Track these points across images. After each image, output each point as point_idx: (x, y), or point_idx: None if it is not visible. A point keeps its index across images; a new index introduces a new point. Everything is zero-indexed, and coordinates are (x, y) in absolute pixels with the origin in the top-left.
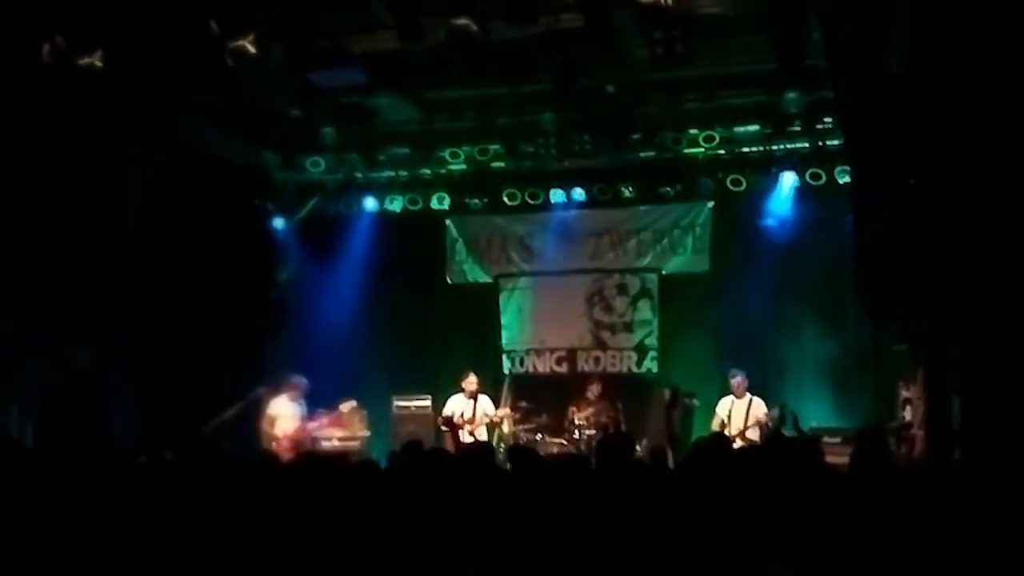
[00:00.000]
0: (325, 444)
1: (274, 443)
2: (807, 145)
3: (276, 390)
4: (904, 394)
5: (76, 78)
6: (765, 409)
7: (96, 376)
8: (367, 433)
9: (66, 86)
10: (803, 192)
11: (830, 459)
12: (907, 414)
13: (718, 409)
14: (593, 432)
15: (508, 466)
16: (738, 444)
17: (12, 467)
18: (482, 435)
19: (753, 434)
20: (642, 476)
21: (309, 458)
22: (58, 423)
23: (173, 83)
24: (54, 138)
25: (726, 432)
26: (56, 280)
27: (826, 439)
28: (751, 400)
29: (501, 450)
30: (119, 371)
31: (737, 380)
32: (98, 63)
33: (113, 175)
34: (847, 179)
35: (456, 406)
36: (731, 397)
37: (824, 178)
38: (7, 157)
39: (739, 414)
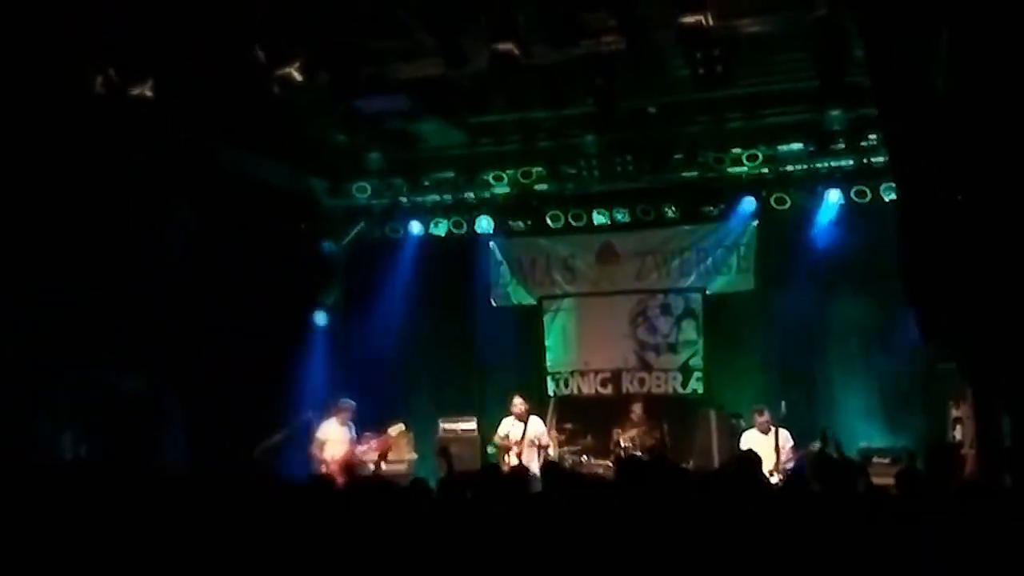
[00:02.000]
0: (373, 467)
1: (323, 467)
2: (851, 162)
3: (325, 414)
4: (954, 413)
5: (127, 108)
6: (792, 441)
7: (149, 401)
8: (415, 456)
9: (118, 116)
10: (848, 209)
11: (880, 480)
12: (957, 433)
13: (743, 444)
14: (638, 454)
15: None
16: (775, 479)
17: (61, 487)
18: (531, 457)
19: (788, 466)
20: (686, 495)
21: (361, 483)
22: (111, 447)
23: (221, 111)
24: (106, 167)
25: None
26: (109, 306)
27: (876, 459)
28: (777, 433)
29: None
30: (171, 395)
31: (764, 416)
32: (148, 93)
33: (164, 203)
34: (893, 196)
35: (506, 429)
36: (755, 432)
37: (869, 195)
38: (61, 187)
39: (767, 450)
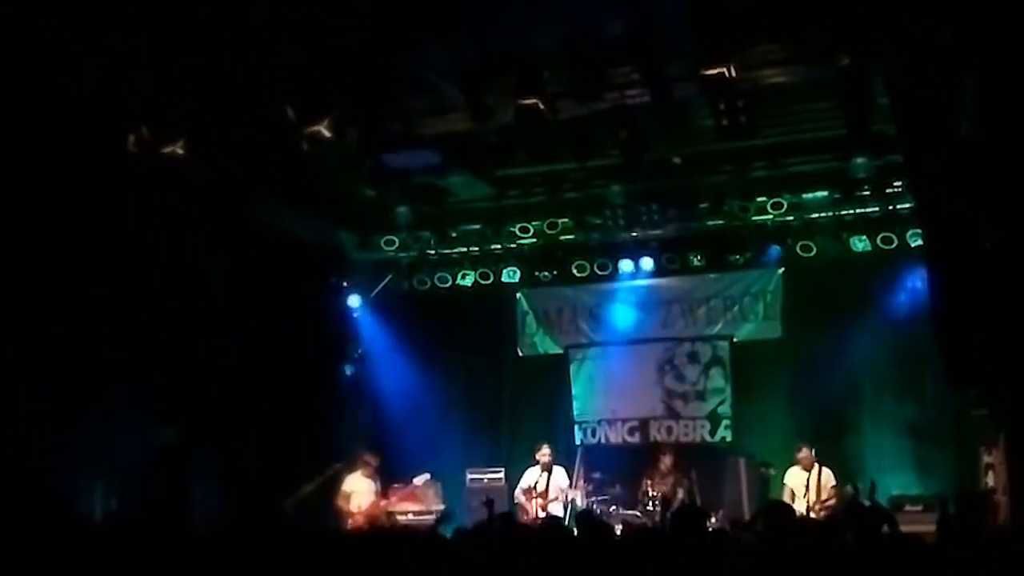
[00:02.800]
0: (400, 519)
1: (350, 519)
2: (877, 209)
3: (351, 466)
4: (986, 459)
5: (160, 166)
6: (834, 480)
7: (180, 453)
8: (442, 506)
9: (151, 174)
10: (874, 257)
11: (913, 527)
12: (990, 479)
13: (787, 480)
14: (668, 504)
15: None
16: (815, 515)
17: (84, 544)
18: (556, 508)
19: (831, 504)
20: (714, 547)
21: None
22: (143, 500)
23: (252, 167)
24: (140, 224)
25: (796, 504)
26: (142, 360)
27: (907, 507)
28: (820, 470)
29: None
30: (202, 448)
31: (804, 453)
32: (180, 151)
33: (197, 258)
34: (919, 242)
35: (531, 479)
36: (798, 468)
37: (896, 242)
38: (96, 244)
39: (811, 485)
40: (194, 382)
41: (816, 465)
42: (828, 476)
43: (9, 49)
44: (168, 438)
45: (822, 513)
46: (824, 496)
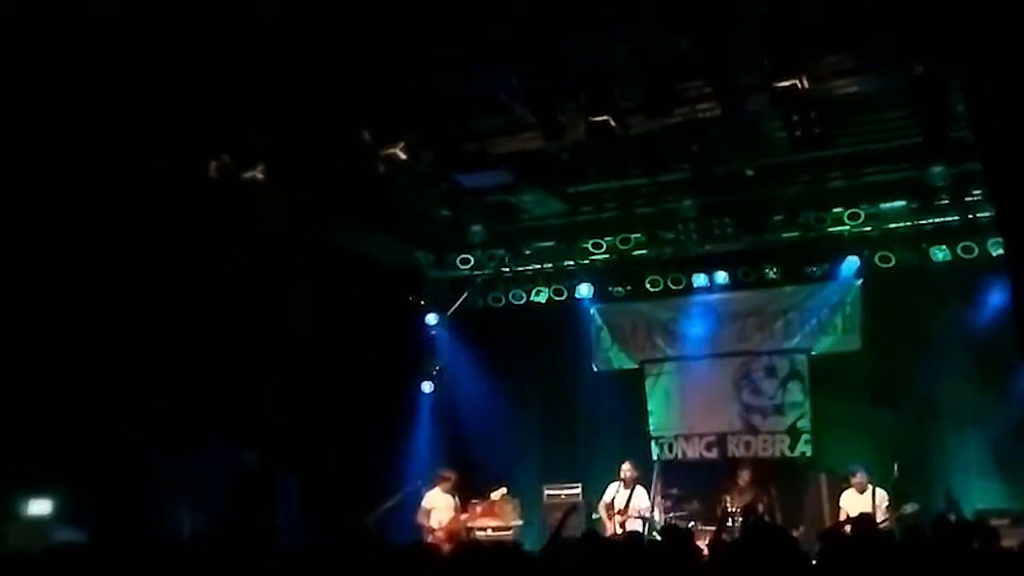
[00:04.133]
0: (479, 534)
1: (431, 535)
2: (957, 218)
3: (431, 483)
4: None
5: (240, 192)
6: (887, 502)
7: (263, 475)
8: (520, 522)
9: (231, 199)
10: (955, 266)
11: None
12: None
13: (842, 503)
14: (748, 519)
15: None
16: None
17: (171, 562)
18: (634, 526)
19: (887, 526)
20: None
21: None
22: (227, 521)
23: (330, 190)
24: (225, 249)
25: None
26: (224, 385)
27: (993, 521)
28: (875, 492)
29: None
30: (284, 469)
31: (858, 477)
32: (260, 176)
33: (278, 284)
34: (1000, 251)
35: (612, 494)
36: (853, 491)
37: (976, 251)
38: (182, 269)
39: (865, 508)
40: (275, 405)
41: (870, 487)
42: (882, 498)
43: (95, 73)
44: (250, 460)
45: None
46: (880, 518)
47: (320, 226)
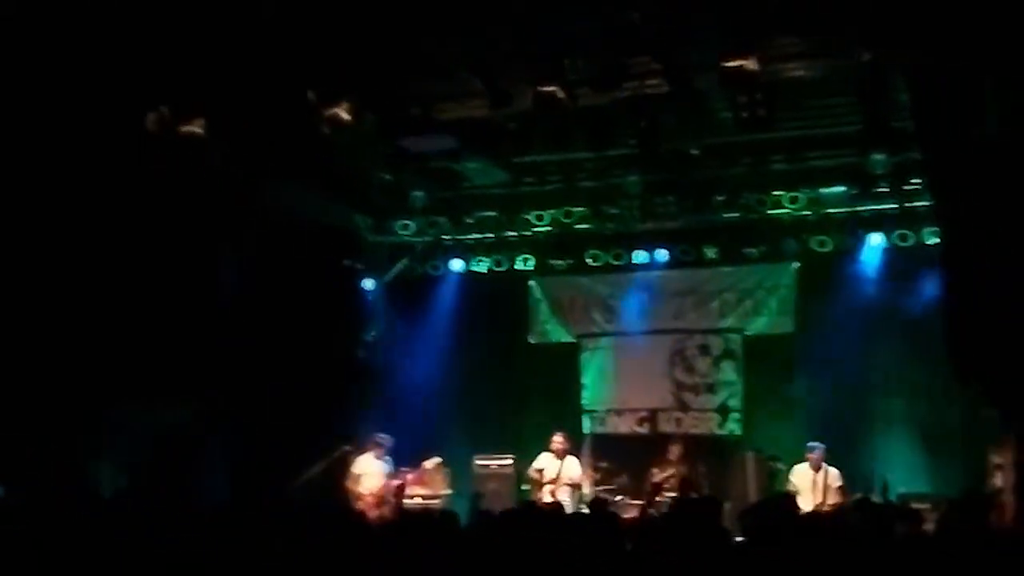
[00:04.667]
0: (408, 502)
1: (359, 500)
2: (895, 206)
3: (361, 448)
4: (994, 460)
5: (177, 145)
6: (840, 481)
7: (189, 434)
8: (449, 491)
9: (168, 153)
10: (890, 253)
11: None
12: (998, 480)
13: (792, 478)
14: (675, 494)
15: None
16: None
17: (94, 520)
18: (564, 495)
19: (837, 505)
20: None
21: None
22: (151, 480)
23: (271, 148)
24: (156, 203)
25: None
26: (151, 339)
27: (915, 505)
28: (827, 471)
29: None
30: (210, 429)
31: (816, 452)
32: (199, 131)
33: (209, 239)
34: (935, 240)
35: (542, 464)
36: (807, 466)
37: (912, 239)
38: (111, 224)
39: (817, 485)
40: (205, 364)
41: (823, 466)
42: (834, 477)
43: (27, 26)
44: (176, 418)
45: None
46: (830, 498)
47: (259, 183)
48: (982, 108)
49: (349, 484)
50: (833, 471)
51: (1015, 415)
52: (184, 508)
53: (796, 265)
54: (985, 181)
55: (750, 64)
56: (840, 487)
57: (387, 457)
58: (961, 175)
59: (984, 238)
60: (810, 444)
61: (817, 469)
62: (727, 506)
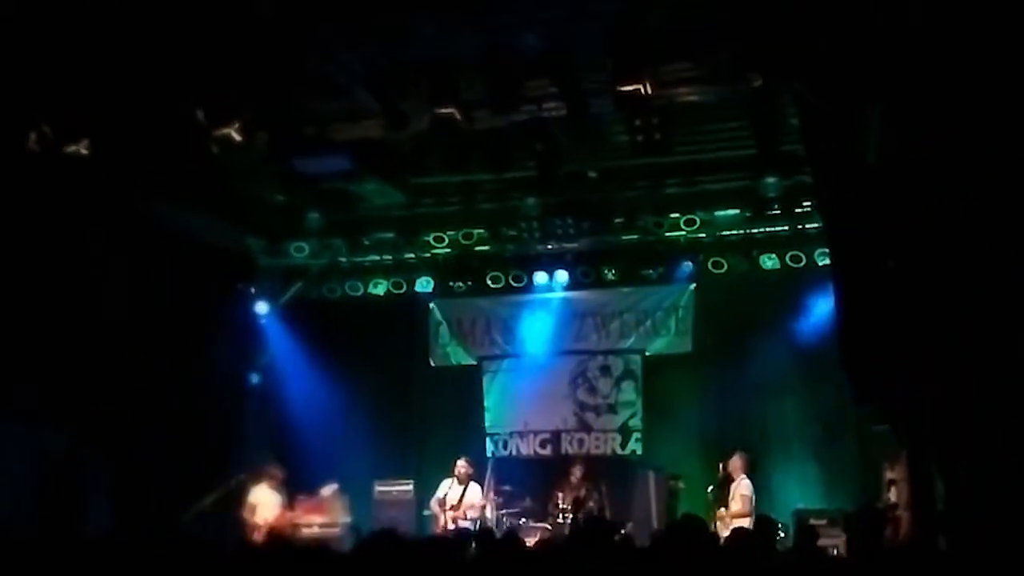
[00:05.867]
0: (306, 531)
1: (255, 531)
2: (787, 228)
3: (256, 477)
4: (888, 475)
5: (61, 165)
6: (750, 492)
7: (71, 462)
8: (348, 519)
9: (51, 173)
10: (783, 274)
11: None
12: (892, 495)
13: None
14: (577, 516)
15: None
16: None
17: None
18: (467, 523)
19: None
20: (620, 560)
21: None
22: (31, 508)
23: (158, 169)
24: (39, 223)
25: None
26: (32, 364)
27: (811, 521)
28: (740, 482)
29: None
30: (95, 455)
31: (737, 463)
32: (84, 151)
33: (95, 260)
34: (827, 261)
35: (444, 490)
36: (730, 475)
37: (804, 261)
38: None
39: (733, 495)
40: (89, 386)
41: (741, 476)
42: (746, 487)
43: None
44: (58, 444)
45: (733, 522)
46: (740, 507)
47: (147, 204)
48: (866, 134)
49: (245, 515)
50: (747, 482)
51: (907, 432)
52: (63, 540)
53: (693, 286)
54: (869, 203)
55: (644, 88)
56: (750, 498)
57: (282, 487)
58: (847, 197)
59: (872, 258)
60: (740, 449)
61: (735, 479)
62: (629, 525)
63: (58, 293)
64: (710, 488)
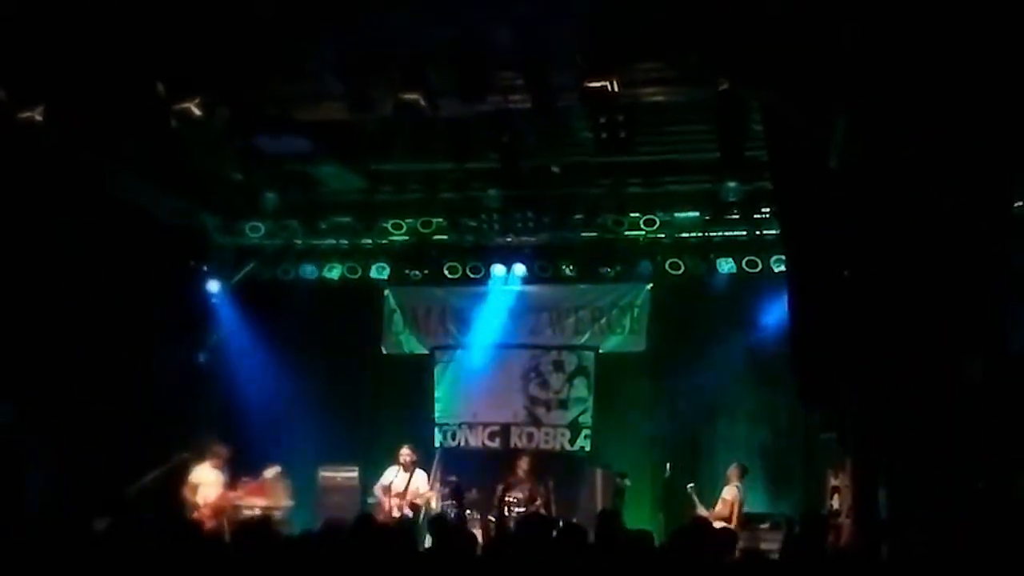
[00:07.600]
0: (247, 512)
1: (196, 510)
2: (744, 233)
3: (199, 456)
4: (832, 482)
5: (12, 131)
6: (728, 496)
7: (13, 436)
8: (290, 503)
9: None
10: (739, 279)
11: (759, 545)
12: (835, 502)
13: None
14: (522, 510)
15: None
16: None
17: None
18: (410, 510)
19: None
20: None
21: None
22: None
23: (114, 140)
24: None
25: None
26: None
27: (755, 524)
28: (727, 487)
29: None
30: (37, 430)
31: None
32: (39, 117)
33: (44, 231)
34: (782, 268)
35: (390, 478)
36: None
37: (760, 266)
38: None
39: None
40: (33, 361)
41: (732, 481)
42: (727, 491)
43: None
44: (2, 416)
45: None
46: (717, 507)
47: (100, 175)
48: (829, 142)
49: (186, 494)
50: (729, 487)
51: (852, 439)
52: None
53: (650, 286)
54: (828, 212)
55: (611, 85)
56: (724, 499)
57: (225, 467)
58: (806, 205)
59: (827, 267)
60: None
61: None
62: (573, 520)
63: (2, 265)
64: (690, 485)
